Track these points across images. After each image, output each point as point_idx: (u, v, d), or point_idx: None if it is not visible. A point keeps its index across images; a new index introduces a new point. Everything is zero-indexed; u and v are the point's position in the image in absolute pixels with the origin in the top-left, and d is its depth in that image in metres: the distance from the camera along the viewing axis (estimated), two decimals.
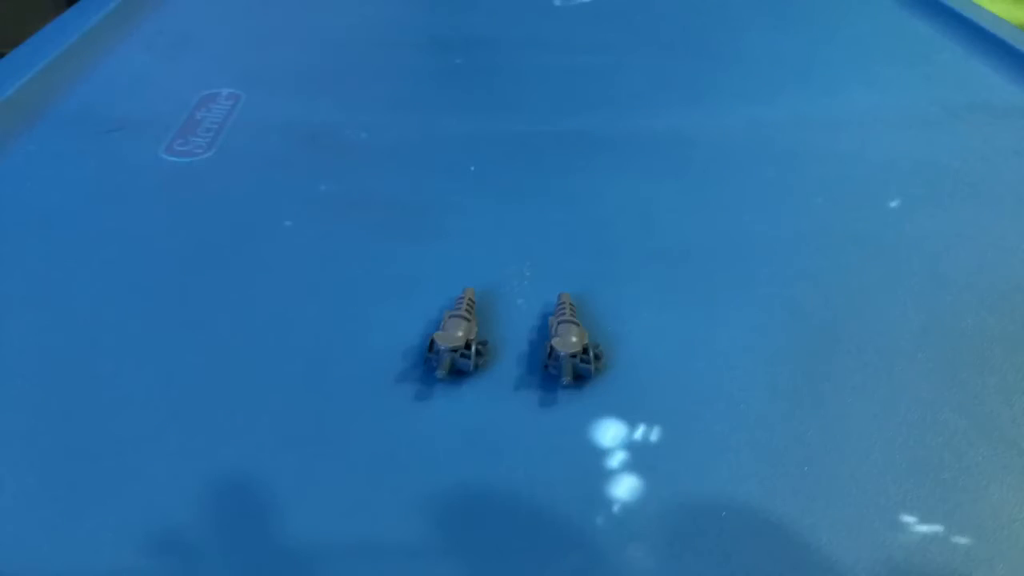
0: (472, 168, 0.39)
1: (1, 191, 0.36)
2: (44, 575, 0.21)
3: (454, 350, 0.27)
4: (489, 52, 0.52)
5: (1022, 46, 0.49)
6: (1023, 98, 0.45)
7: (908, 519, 0.23)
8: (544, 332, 0.29)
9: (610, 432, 0.25)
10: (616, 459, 0.24)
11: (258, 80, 0.47)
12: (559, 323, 0.28)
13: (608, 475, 0.24)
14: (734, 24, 0.56)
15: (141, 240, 0.33)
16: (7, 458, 0.24)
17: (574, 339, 0.27)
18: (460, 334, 0.27)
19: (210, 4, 0.58)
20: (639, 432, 0.25)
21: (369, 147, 0.41)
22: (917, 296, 0.31)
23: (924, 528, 0.22)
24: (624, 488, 0.23)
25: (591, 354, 0.27)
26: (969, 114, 0.44)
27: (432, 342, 0.27)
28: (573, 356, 0.27)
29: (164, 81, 0.46)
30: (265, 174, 0.38)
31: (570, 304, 0.29)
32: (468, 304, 0.29)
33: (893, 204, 0.36)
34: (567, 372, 0.26)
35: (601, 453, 0.24)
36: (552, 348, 0.27)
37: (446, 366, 0.26)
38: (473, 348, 0.27)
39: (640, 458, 0.24)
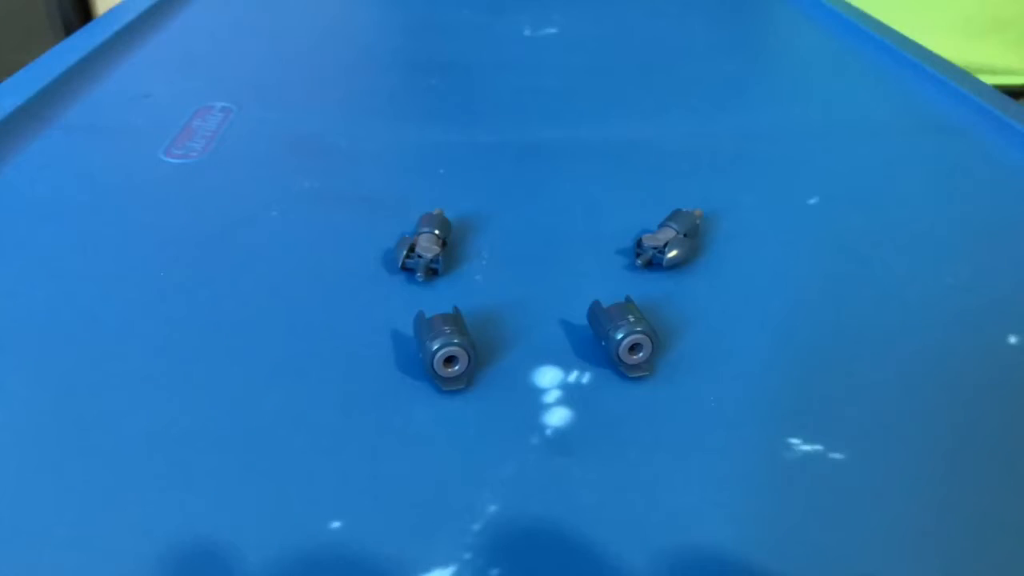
0: (441, 171, 0.44)
1: (17, 185, 0.40)
2: None
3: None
4: (462, 75, 0.57)
5: (938, 69, 0.54)
6: (940, 115, 0.50)
7: (794, 441, 0.27)
8: (503, 310, 0.33)
9: (547, 376, 0.29)
10: (551, 396, 0.28)
11: (249, 95, 0.51)
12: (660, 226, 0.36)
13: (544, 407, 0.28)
14: (685, 51, 0.62)
15: (142, 226, 0.38)
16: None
17: (660, 237, 0.35)
18: (436, 247, 0.34)
19: (206, 28, 0.63)
20: (572, 376, 0.29)
21: (348, 152, 0.45)
22: (812, 261, 0.35)
23: (807, 447, 0.27)
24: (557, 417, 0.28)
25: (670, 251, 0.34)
26: (887, 127, 0.49)
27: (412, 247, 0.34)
28: (655, 248, 0.34)
29: (163, 95, 0.51)
30: (253, 173, 0.43)
31: (687, 214, 0.36)
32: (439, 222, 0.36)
33: (812, 201, 0.41)
34: (642, 259, 0.35)
35: (539, 391, 0.29)
36: (640, 241, 0.35)
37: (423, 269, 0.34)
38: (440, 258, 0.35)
39: (570, 395, 0.29)
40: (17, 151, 0.43)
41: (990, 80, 0.55)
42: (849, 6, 0.70)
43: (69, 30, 1.30)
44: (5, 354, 0.30)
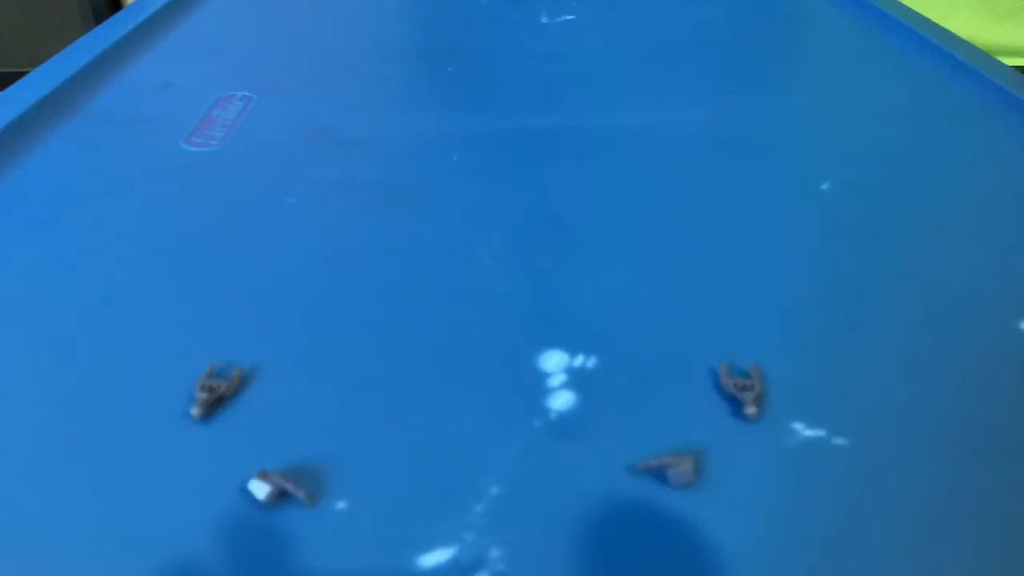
0: (455, 158, 0.44)
1: (40, 173, 0.41)
2: None
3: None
4: (478, 62, 0.57)
5: (958, 51, 0.53)
6: (958, 97, 0.50)
7: (798, 426, 0.27)
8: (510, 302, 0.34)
9: (553, 360, 0.30)
10: (556, 380, 0.29)
11: (269, 85, 0.52)
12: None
13: (549, 391, 0.28)
14: (702, 37, 0.61)
15: (163, 213, 0.39)
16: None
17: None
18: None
19: (227, 19, 0.64)
20: (577, 361, 0.30)
21: (366, 140, 0.46)
22: (821, 245, 0.35)
23: (810, 432, 0.27)
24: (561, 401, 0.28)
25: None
26: (903, 110, 0.48)
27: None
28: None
29: (185, 85, 0.52)
30: (271, 161, 0.43)
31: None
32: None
33: (823, 186, 0.41)
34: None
35: (544, 375, 0.29)
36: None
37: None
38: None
39: (575, 379, 0.29)
40: (41, 140, 0.44)
41: (1012, 62, 0.55)
42: None
43: (100, 19, 1.32)
44: (29, 337, 0.31)
